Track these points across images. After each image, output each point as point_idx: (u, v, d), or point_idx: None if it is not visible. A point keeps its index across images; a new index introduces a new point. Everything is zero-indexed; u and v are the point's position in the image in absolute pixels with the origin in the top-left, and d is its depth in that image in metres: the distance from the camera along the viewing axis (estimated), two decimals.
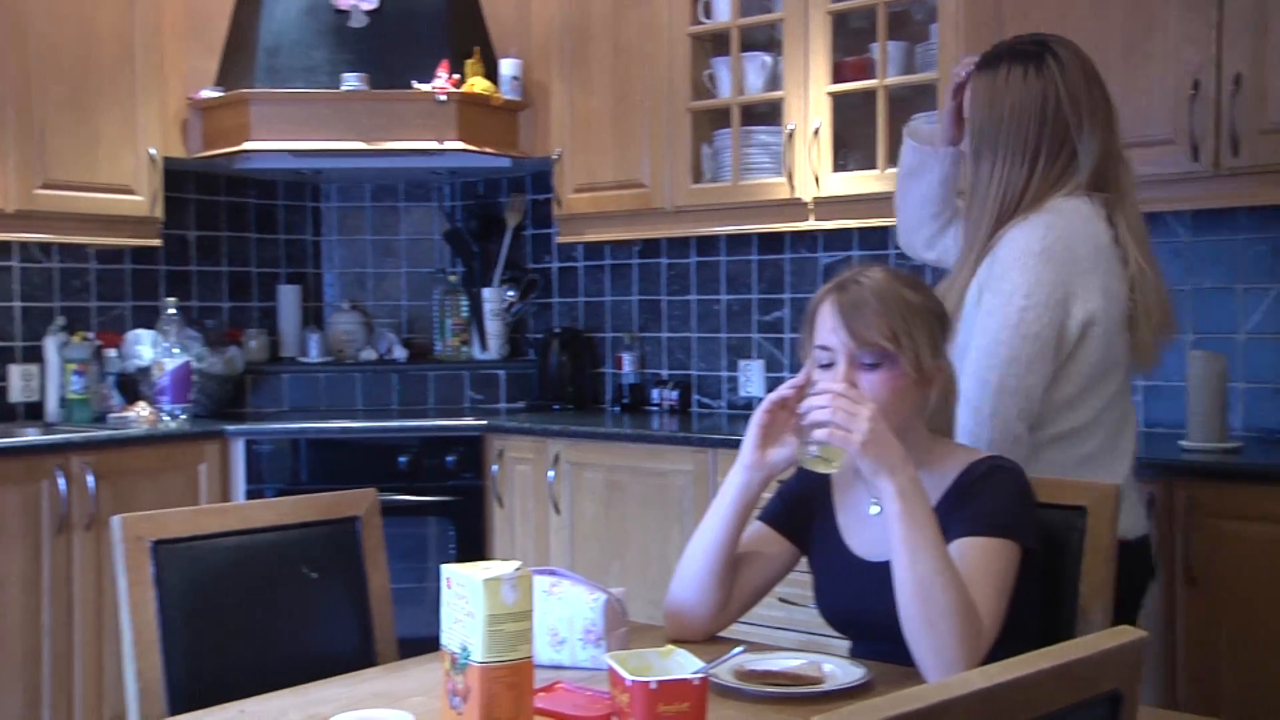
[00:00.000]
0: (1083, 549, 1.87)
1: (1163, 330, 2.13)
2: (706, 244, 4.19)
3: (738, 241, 4.11)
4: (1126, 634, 1.09)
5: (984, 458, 1.82)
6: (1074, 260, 1.99)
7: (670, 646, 1.54)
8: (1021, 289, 1.98)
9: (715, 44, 3.88)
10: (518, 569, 1.50)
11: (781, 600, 2.94)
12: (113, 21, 3.92)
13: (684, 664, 1.48)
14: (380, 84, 4.06)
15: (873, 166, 3.50)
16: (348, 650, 2.06)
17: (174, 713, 1.82)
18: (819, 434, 1.68)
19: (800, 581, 2.01)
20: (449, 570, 1.53)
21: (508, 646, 1.48)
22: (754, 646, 1.79)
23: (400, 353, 4.61)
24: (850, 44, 3.64)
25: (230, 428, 3.91)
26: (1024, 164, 2.06)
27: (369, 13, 4.13)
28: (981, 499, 1.75)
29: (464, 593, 1.50)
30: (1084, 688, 1.04)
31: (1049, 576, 1.85)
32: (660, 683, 1.40)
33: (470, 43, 4.18)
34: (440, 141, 4.04)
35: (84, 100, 3.86)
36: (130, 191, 3.99)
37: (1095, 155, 2.06)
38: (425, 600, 3.82)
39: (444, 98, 4.01)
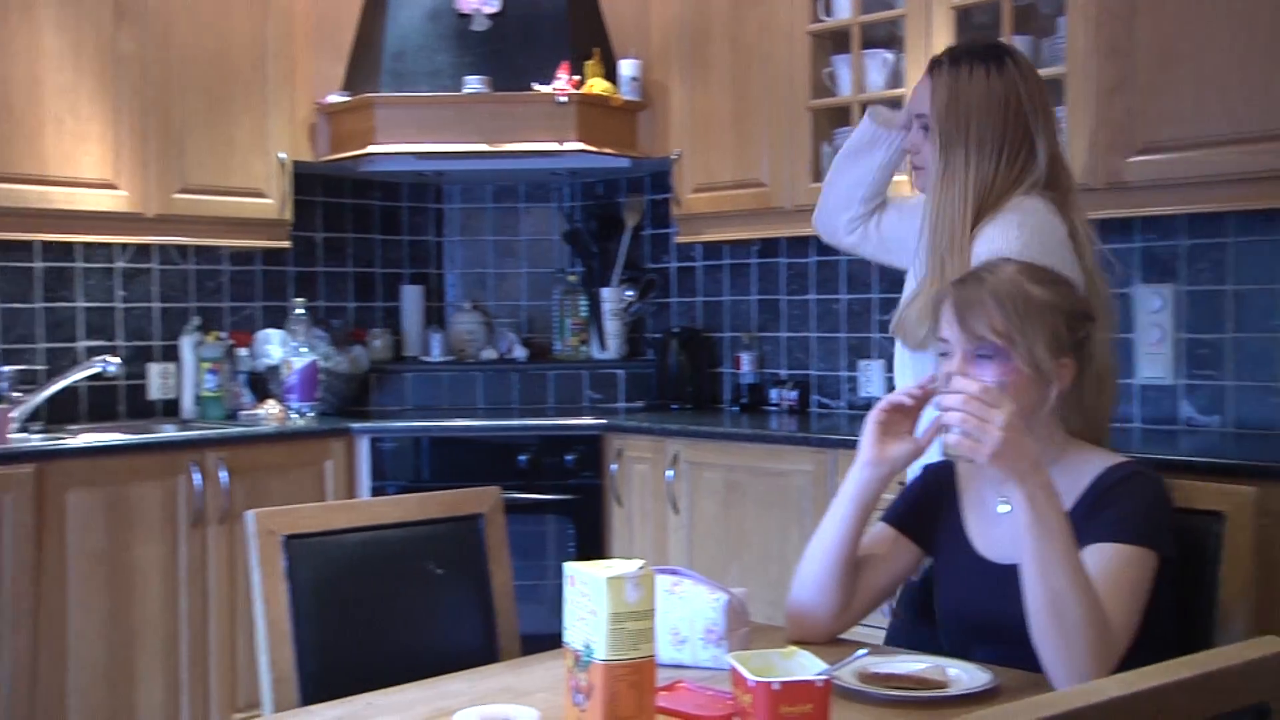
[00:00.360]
0: (1220, 555, 1.81)
1: (1108, 329, 2.18)
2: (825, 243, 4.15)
3: None
4: (1273, 644, 1.06)
5: (1123, 462, 1.78)
6: (1047, 254, 2.02)
7: (792, 648, 1.53)
8: None
9: (835, 42, 3.85)
10: (640, 568, 1.51)
11: None
12: (247, 31, 4.04)
13: (807, 665, 1.48)
14: (502, 86, 4.11)
15: None
16: (471, 646, 2.09)
17: (305, 703, 1.87)
18: (949, 438, 1.66)
19: None
20: (572, 568, 1.55)
21: (630, 645, 1.48)
22: (877, 649, 1.77)
23: (520, 352, 4.66)
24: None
25: (355, 425, 3.99)
26: (991, 160, 2.10)
27: (491, 16, 4.19)
28: (1118, 505, 1.71)
29: (587, 591, 1.51)
30: (1225, 699, 1.01)
31: (1186, 585, 1.80)
32: (783, 684, 1.40)
33: (590, 44, 4.21)
34: (560, 143, 4.08)
35: (219, 108, 3.98)
36: (261, 195, 4.10)
37: (1049, 155, 2.14)
38: (543, 597, 3.87)
39: (564, 99, 4.04)
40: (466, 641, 2.09)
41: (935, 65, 2.21)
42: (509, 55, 4.18)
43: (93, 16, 3.69)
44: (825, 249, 4.14)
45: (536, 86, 4.09)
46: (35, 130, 3.57)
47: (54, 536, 3.31)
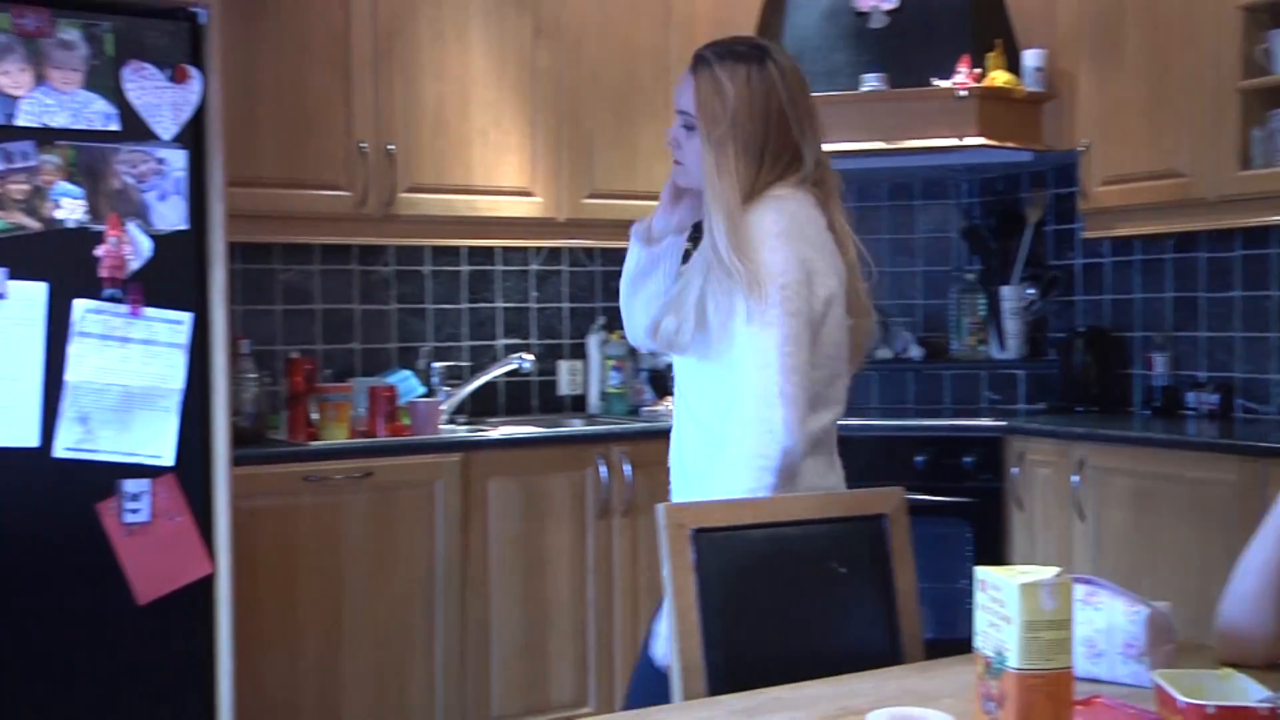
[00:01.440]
0: None
1: (869, 335, 2.26)
2: (1253, 236, 3.84)
3: None
4: None
5: None
6: (807, 240, 2.05)
7: (1228, 670, 1.43)
8: (777, 268, 2.00)
9: (1272, 15, 3.54)
10: (1056, 575, 1.45)
11: None
12: (651, 42, 4.20)
13: (1245, 690, 1.37)
14: (899, 83, 4.06)
15: None
16: (873, 647, 2.07)
17: (712, 693, 1.92)
18: None
19: None
20: (982, 573, 1.51)
21: (1046, 655, 1.43)
22: None
23: (916, 351, 4.59)
24: None
25: None
26: (755, 158, 2.09)
27: (889, 12, 4.15)
28: None
29: (999, 597, 1.47)
30: None
31: None
32: (1219, 708, 1.31)
33: (992, 35, 4.09)
34: (960, 138, 3.99)
35: (625, 115, 4.16)
36: None
37: (813, 156, 2.13)
38: (940, 601, 3.79)
39: (964, 93, 3.95)
40: (868, 642, 2.08)
41: (697, 62, 2.18)
42: (907, 51, 4.12)
43: (515, 35, 3.95)
44: (1252, 241, 3.84)
45: (935, 82, 4.01)
46: (464, 144, 3.87)
47: (478, 520, 3.58)
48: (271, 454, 3.35)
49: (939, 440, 3.93)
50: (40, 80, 2.79)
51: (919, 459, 3.92)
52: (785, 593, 2.07)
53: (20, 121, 2.77)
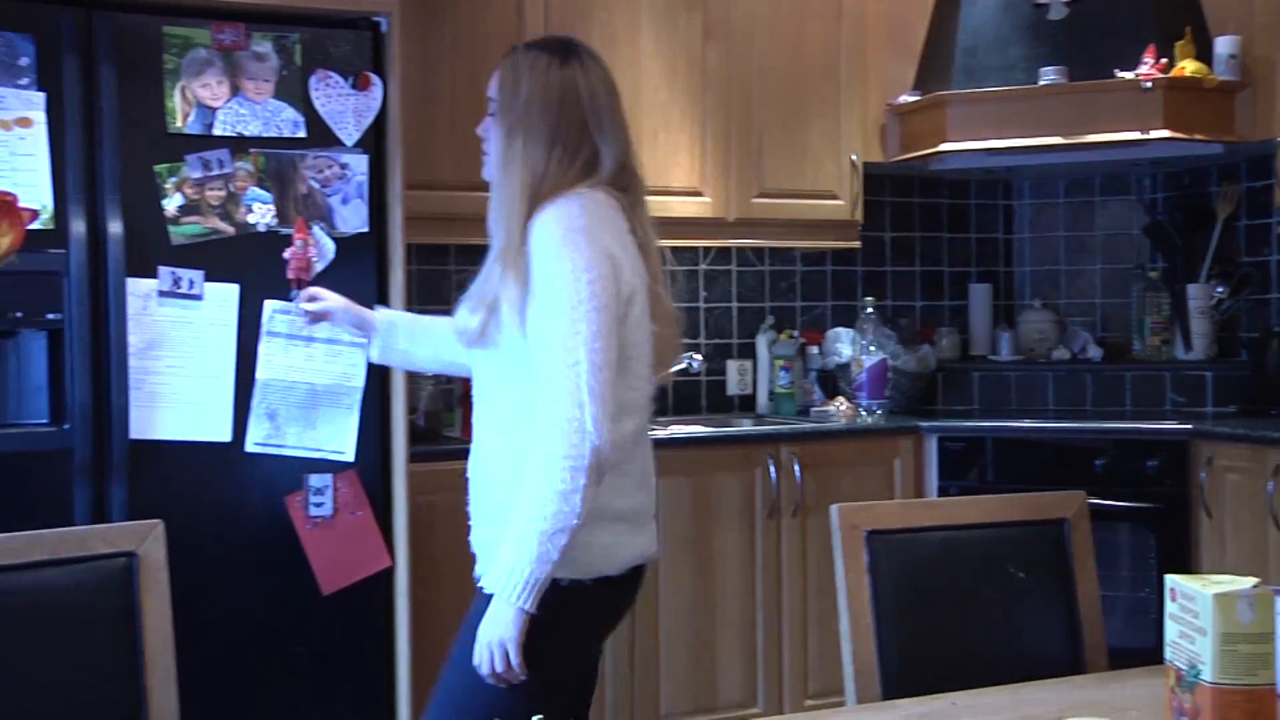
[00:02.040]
0: None
1: (676, 348, 2.21)
2: None
3: None
4: None
5: None
6: (610, 236, 2.01)
7: None
8: (581, 264, 1.94)
9: None
10: (1255, 586, 1.39)
11: None
12: (821, 39, 4.16)
13: None
14: (1079, 76, 3.94)
15: None
16: (1054, 654, 2.02)
17: (886, 696, 1.90)
18: None
19: None
20: (1173, 581, 1.46)
21: (1245, 670, 1.37)
22: None
23: (1095, 352, 4.45)
24: None
25: (924, 424, 3.99)
26: (544, 150, 2.05)
27: (1068, 4, 4.03)
28: None
29: (1192, 607, 1.42)
30: None
31: None
32: None
33: (1181, 23, 3.93)
34: (1144, 131, 3.85)
35: (795, 114, 4.13)
36: (833, 197, 4.21)
37: (615, 159, 2.08)
38: (1120, 609, 3.67)
39: (1149, 84, 3.81)
40: (1048, 650, 2.03)
41: (509, 52, 2.18)
42: (1088, 42, 4.00)
43: (685, 37, 3.96)
44: None
45: (1118, 73, 3.88)
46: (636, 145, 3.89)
47: None
48: (446, 451, 3.42)
49: (1120, 443, 3.80)
50: (235, 91, 2.92)
51: (1098, 463, 3.80)
52: (961, 596, 2.03)
53: (217, 131, 2.90)
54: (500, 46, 3.67)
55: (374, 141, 3.06)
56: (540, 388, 1.92)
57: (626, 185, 2.11)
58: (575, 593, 1.98)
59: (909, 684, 1.88)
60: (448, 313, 3.97)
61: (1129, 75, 3.85)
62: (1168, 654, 1.46)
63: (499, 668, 1.90)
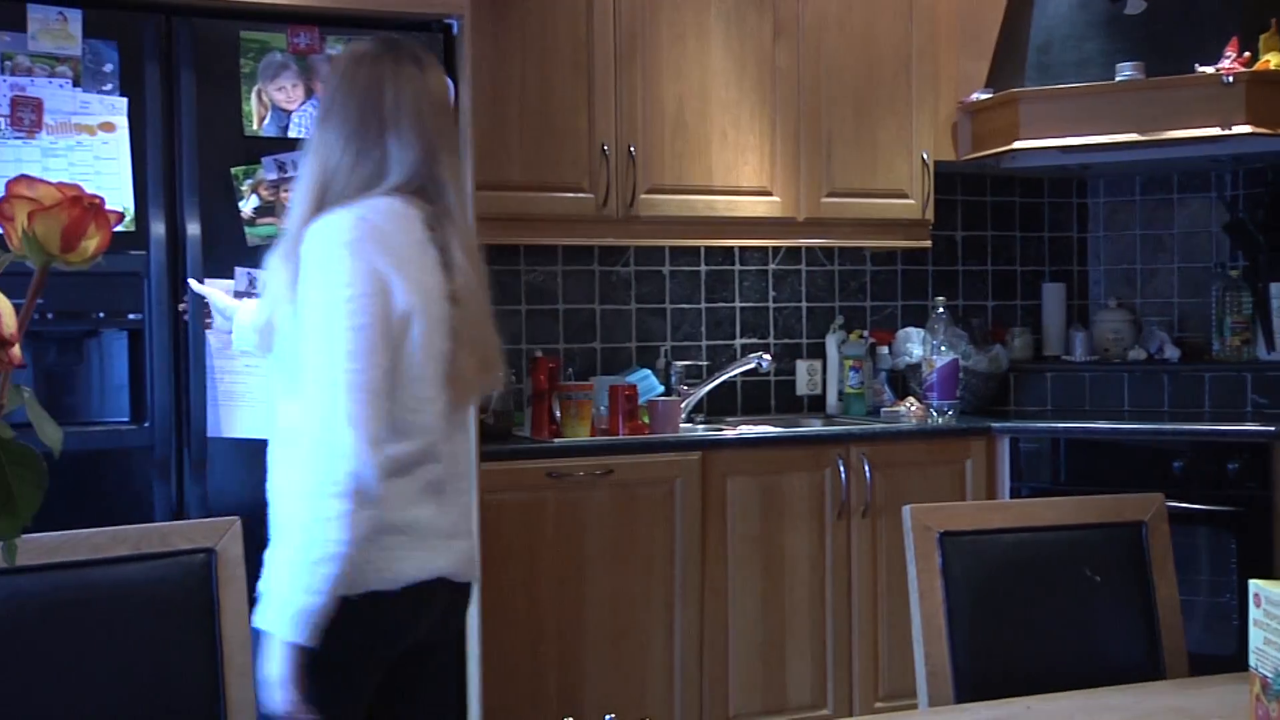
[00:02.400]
0: None
1: (486, 369, 2.06)
2: None
3: None
4: None
5: None
6: (389, 250, 1.91)
7: None
8: (343, 279, 1.86)
9: None
10: None
11: None
12: (892, 37, 4.13)
13: None
14: (1157, 71, 3.87)
15: None
16: (1130, 659, 1.99)
17: (959, 699, 1.88)
18: None
19: None
20: (1258, 586, 1.43)
21: None
22: None
23: (1172, 352, 4.37)
24: None
25: (996, 425, 3.95)
26: (338, 144, 2.00)
27: None
28: None
29: (1277, 613, 1.39)
30: None
31: None
32: None
33: (1266, 15, 3.84)
34: (1225, 127, 3.77)
35: (865, 112, 4.11)
36: (904, 195, 4.17)
37: (409, 167, 2.00)
38: (1198, 614, 3.60)
39: (1230, 79, 3.73)
40: (1125, 654, 2.00)
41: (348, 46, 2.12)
42: (1166, 37, 3.93)
43: (754, 35, 3.95)
44: None
45: (1198, 68, 3.81)
46: (703, 145, 3.90)
47: (716, 519, 3.60)
48: (517, 450, 3.45)
49: (1199, 445, 3.73)
50: (309, 94, 2.96)
51: (1176, 465, 3.73)
52: (1035, 599, 2.01)
53: (292, 133, 2.94)
54: (570, 47, 3.72)
55: None
56: (305, 407, 1.85)
57: (433, 197, 2.02)
58: (341, 610, 1.81)
59: (982, 687, 1.86)
60: (515, 314, 4.01)
61: (1209, 69, 3.78)
62: (1252, 660, 1.43)
63: (285, 708, 1.79)
